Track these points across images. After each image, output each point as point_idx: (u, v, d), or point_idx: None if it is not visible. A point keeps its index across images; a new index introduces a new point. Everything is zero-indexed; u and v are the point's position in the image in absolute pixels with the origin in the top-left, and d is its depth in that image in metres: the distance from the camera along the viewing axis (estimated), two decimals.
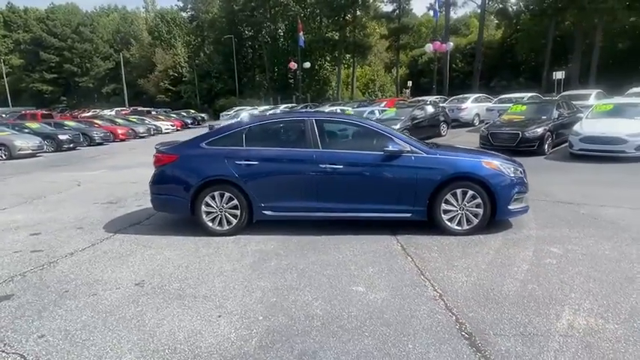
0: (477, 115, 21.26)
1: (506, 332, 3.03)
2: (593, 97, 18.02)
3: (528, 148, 12.27)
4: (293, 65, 42.93)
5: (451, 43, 30.83)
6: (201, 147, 5.58)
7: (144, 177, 11.38)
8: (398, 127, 15.90)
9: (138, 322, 3.35)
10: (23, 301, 3.84)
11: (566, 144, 12.70)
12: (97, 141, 22.51)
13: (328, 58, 51.88)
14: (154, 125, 29.62)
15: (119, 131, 25.09)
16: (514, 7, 36.88)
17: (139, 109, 43.59)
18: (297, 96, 45.78)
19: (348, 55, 49.05)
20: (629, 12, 26.58)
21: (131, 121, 29.58)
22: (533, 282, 3.85)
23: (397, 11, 45.52)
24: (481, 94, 23.42)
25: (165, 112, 41.53)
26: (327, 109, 24.35)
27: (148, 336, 3.13)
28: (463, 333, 3.04)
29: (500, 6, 37.48)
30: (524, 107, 14.55)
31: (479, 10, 37.98)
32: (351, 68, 51.00)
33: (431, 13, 38.00)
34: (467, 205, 5.17)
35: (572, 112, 14.16)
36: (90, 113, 41.71)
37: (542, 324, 3.13)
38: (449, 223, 5.22)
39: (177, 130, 31.75)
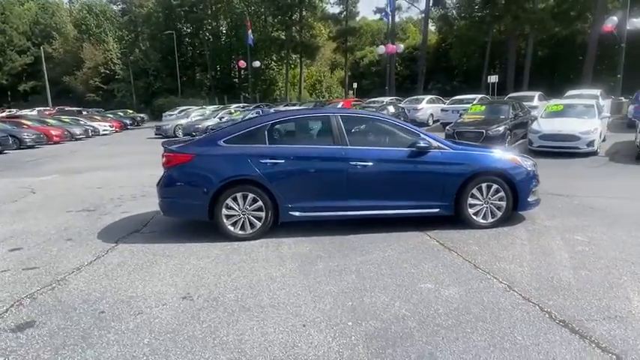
0: (432, 115, 22.22)
1: (594, 317, 3.13)
2: (536, 99, 19.51)
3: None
4: (242, 64, 41.94)
5: (401, 46, 31.81)
6: (220, 145, 5.21)
7: (108, 181, 10.59)
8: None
9: (216, 340, 3.02)
10: (53, 327, 3.31)
11: (522, 141, 13.65)
12: (28, 143, 20.34)
13: (275, 58, 51.26)
14: (91, 126, 27.45)
15: (53, 133, 22.88)
16: (454, 14, 38.92)
17: (67, 108, 40.16)
18: (244, 96, 44.78)
19: (295, 56, 48.81)
20: (554, 22, 29.17)
21: (64, 121, 27.15)
22: (582, 268, 4.03)
23: (344, 13, 46.11)
24: (433, 96, 24.44)
25: (97, 112, 38.61)
26: (281, 109, 24.07)
27: (238, 354, 2.82)
28: (557, 321, 3.09)
29: (442, 11, 39.37)
30: (484, 107, 15.37)
31: (416, 16, 39.66)
32: (298, 69, 50.81)
33: (377, 16, 39.05)
34: (491, 198, 5.32)
35: (524, 112, 15.22)
36: (5, 113, 37.53)
37: (620, 307, 3.27)
38: (475, 217, 5.33)
39: (117, 132, 29.66)
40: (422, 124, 21.36)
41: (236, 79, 51.97)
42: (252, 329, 3.12)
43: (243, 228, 5.14)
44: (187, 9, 48.36)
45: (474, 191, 5.29)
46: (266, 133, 5.27)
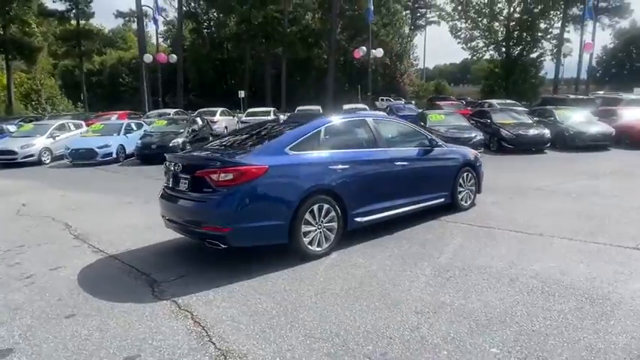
0: (226, 127, 22.49)
1: None
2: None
3: None
4: None
5: (175, 56, 30.01)
6: (288, 153, 4.57)
7: (40, 206, 7.39)
8: (182, 140, 15.31)
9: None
10: None
11: None
12: None
13: None
14: None
15: None
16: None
17: None
18: None
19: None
20: (302, 46, 34.26)
21: None
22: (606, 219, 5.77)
23: (74, 11, 39.49)
24: (224, 109, 24.63)
25: None
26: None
27: None
28: None
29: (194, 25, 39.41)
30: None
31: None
32: (5, 73, 40.21)
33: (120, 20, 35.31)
34: (468, 185, 6.64)
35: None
36: None
37: None
38: (462, 202, 6.53)
39: None
40: (217, 135, 21.50)
41: None
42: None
43: (319, 244, 4.70)
44: None
45: (461, 180, 6.49)
46: (320, 137, 4.96)
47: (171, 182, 4.87)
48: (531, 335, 2.96)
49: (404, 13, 55.96)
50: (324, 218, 4.71)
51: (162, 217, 5.14)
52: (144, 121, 19.25)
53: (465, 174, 6.57)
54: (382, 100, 39.84)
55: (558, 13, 30.35)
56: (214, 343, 3.05)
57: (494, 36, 32.30)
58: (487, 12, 31.91)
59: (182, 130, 16.16)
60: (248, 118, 21.47)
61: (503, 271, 4.09)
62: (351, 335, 3.08)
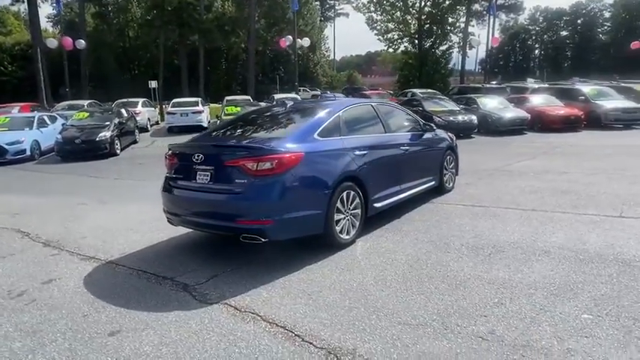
0: (149, 119, 20.89)
1: None
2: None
3: None
4: None
5: (83, 42, 26.58)
6: (317, 139, 4.38)
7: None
8: (109, 134, 13.96)
9: None
10: None
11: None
12: None
13: None
14: None
15: None
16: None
17: None
18: None
19: None
20: (220, 35, 32.74)
21: None
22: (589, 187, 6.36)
23: None
24: (145, 99, 22.68)
25: None
26: None
27: None
28: None
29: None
30: (239, 108, 16.38)
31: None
32: None
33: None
34: (450, 167, 6.97)
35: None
36: None
37: None
38: (446, 184, 6.84)
39: None
40: (143, 128, 19.89)
41: None
42: None
43: (347, 232, 4.60)
44: None
45: (445, 163, 6.78)
46: (340, 123, 4.83)
47: (183, 174, 4.40)
48: (605, 299, 3.21)
49: (315, 4, 56.51)
50: (350, 205, 4.61)
51: (168, 213, 4.64)
52: (58, 114, 17.08)
53: (448, 157, 6.88)
54: (303, 90, 39.35)
55: (463, 8, 32.99)
56: (311, 343, 2.84)
57: (407, 28, 34.09)
58: (400, 5, 33.57)
59: (108, 123, 14.66)
60: (174, 109, 20.09)
61: (532, 245, 4.37)
62: (445, 317, 3.07)
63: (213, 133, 5.15)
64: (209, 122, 19.95)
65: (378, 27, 34.56)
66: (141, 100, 21.33)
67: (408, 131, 6.01)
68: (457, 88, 25.01)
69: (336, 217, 4.41)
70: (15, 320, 3.37)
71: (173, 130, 19.73)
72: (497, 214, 5.56)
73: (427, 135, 6.28)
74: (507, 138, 14.60)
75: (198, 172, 4.25)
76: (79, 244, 5.19)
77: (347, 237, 4.58)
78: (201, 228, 4.41)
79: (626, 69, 46.07)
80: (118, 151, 14.45)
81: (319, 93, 29.68)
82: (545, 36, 71.79)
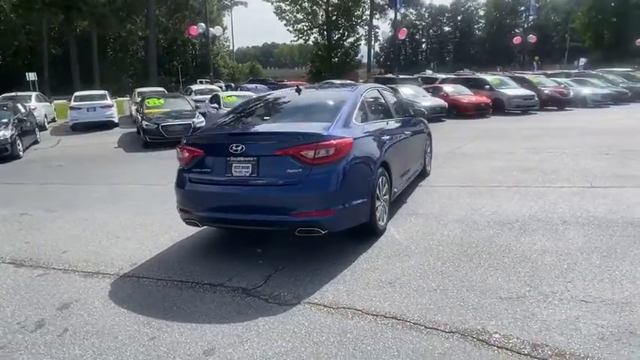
0: (46, 115, 18.22)
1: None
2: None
3: None
4: None
5: None
6: (357, 125, 4.23)
7: None
8: (9, 133, 11.97)
9: None
10: None
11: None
12: None
13: None
14: None
15: None
16: None
17: None
18: None
19: None
20: (115, 20, 29.55)
21: None
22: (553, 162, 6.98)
23: None
24: (38, 93, 19.58)
25: None
26: None
27: None
28: None
29: None
30: (163, 101, 15.07)
31: None
32: None
33: None
34: (429, 151, 7.26)
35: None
36: None
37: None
38: (427, 167, 7.11)
39: None
40: (41, 126, 17.30)
41: None
42: None
43: (382, 219, 4.54)
44: None
45: (426, 147, 7.03)
46: (365, 108, 4.73)
47: (212, 168, 3.94)
48: None
49: None
50: (383, 191, 4.56)
51: (188, 211, 4.11)
52: None
53: (428, 141, 7.16)
54: (206, 82, 35.95)
55: (368, 1, 34.44)
56: (437, 329, 2.77)
57: (315, 19, 34.51)
58: None
59: (6, 120, 12.43)
60: (79, 103, 17.76)
61: (549, 217, 4.76)
62: (535, 287, 3.22)
63: (229, 124, 4.61)
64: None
65: (287, 17, 34.44)
66: (34, 94, 18.53)
67: (405, 116, 6.10)
68: (374, 78, 26.08)
69: (377, 203, 4.33)
70: (62, 356, 2.73)
71: (77, 128, 17.50)
72: (490, 193, 5.94)
73: (414, 120, 6.45)
74: (431, 125, 15.62)
75: (235, 165, 3.83)
76: (64, 259, 4.36)
77: (382, 224, 4.52)
78: (243, 225, 3.96)
79: (500, 61, 52.16)
80: (21, 153, 12.42)
81: (223, 85, 27.99)
82: (431, 31, 78.26)
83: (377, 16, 35.04)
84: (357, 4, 33.92)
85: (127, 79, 44.68)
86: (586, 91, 20.52)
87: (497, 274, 3.49)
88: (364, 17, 34.77)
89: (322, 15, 34.23)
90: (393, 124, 5.33)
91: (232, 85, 30.59)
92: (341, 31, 34.65)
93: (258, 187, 3.79)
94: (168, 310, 3.25)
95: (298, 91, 4.98)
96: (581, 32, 48.51)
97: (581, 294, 3.09)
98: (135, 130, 16.00)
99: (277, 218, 3.74)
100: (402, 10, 43.35)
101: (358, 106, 4.53)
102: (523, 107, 18.18)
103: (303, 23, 34.44)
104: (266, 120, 4.47)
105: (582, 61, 37.84)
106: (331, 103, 4.54)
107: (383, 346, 2.63)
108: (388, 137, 4.83)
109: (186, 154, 4.09)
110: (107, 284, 3.77)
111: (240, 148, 3.78)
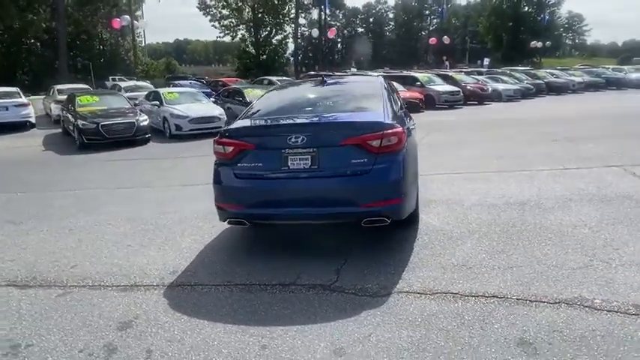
0: None
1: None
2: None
3: (143, 136, 12.63)
4: None
5: None
6: (398, 114, 4.27)
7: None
8: None
9: None
10: None
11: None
12: None
13: None
14: None
15: None
16: None
17: None
18: None
19: None
20: (16, 11, 25.98)
21: None
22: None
23: None
24: None
25: None
26: None
27: None
28: None
29: None
30: (97, 98, 13.69)
31: None
32: None
33: None
34: None
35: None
36: None
37: None
38: None
39: None
40: None
41: None
42: None
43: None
44: None
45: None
46: (392, 98, 4.75)
47: (262, 161, 3.70)
48: None
49: None
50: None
51: (233, 209, 3.81)
52: None
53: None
54: (119, 79, 31.89)
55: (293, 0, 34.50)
56: (541, 301, 2.90)
57: (242, 16, 33.68)
58: None
59: None
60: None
61: (554, 196, 5.21)
62: (595, 257, 3.53)
63: (272, 117, 4.28)
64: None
65: (212, 12, 33.20)
66: None
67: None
68: (322, 76, 26.05)
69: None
70: None
71: None
72: (484, 178, 6.34)
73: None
74: None
75: (292, 157, 3.64)
76: (79, 275, 3.81)
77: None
78: (305, 219, 3.74)
79: (409, 61, 55.53)
80: None
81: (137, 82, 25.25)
82: (345, 31, 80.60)
83: (303, 15, 35.38)
84: (283, 2, 33.84)
85: (23, 76, 39.92)
86: (500, 87, 22.68)
87: (553, 249, 3.75)
88: (291, 15, 34.88)
89: (248, 12, 33.56)
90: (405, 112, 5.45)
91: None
92: (268, 29, 34.33)
93: (322, 179, 3.63)
94: (254, 315, 3.01)
95: (323, 82, 4.86)
96: (484, 34, 53.43)
97: (637, 258, 3.45)
98: (59, 131, 14.44)
99: (345, 210, 3.62)
100: (327, 11, 44.21)
101: (389, 95, 4.55)
102: (451, 102, 19.55)
103: (230, 19, 33.56)
104: (309, 111, 4.29)
105: (486, 60, 41.77)
106: (366, 93, 4.51)
107: (507, 323, 2.70)
108: (413, 127, 4.95)
109: (231, 149, 3.79)
110: (158, 296, 3.37)
111: (300, 139, 3.59)
